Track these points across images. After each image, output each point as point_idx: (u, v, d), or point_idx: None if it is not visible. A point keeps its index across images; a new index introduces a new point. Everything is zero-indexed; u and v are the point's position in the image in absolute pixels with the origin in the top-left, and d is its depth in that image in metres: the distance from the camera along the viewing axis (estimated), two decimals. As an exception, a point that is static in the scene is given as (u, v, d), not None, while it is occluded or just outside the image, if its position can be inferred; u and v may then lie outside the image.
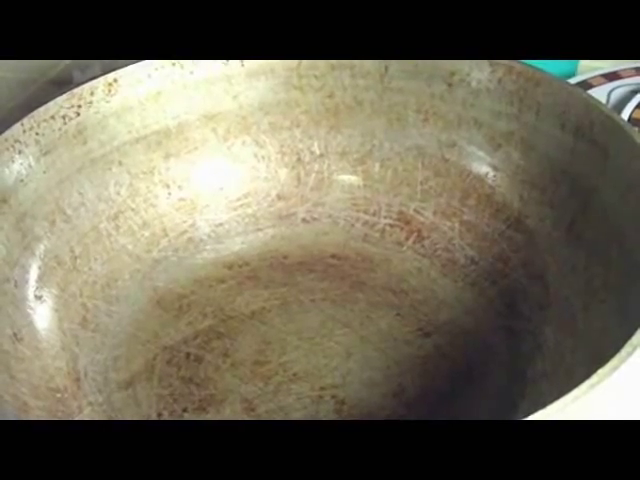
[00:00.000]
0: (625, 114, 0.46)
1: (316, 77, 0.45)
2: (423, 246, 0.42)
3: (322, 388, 0.36)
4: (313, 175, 0.45)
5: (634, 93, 0.48)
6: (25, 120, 0.40)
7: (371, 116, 0.44)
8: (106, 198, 0.42)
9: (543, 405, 0.25)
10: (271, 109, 0.45)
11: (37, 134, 0.40)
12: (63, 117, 0.41)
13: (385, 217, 0.44)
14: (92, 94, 0.42)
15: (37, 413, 0.34)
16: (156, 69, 0.44)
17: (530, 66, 0.40)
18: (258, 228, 0.44)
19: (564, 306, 0.36)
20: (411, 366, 0.37)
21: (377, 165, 0.44)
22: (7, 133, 0.39)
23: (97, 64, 0.50)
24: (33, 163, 0.40)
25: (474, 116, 0.42)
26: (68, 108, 0.42)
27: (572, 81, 0.50)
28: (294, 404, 0.36)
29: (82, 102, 0.42)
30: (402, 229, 0.43)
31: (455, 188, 0.42)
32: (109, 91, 0.43)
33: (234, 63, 0.44)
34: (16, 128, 0.40)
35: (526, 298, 0.38)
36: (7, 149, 0.39)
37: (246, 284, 0.42)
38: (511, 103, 0.41)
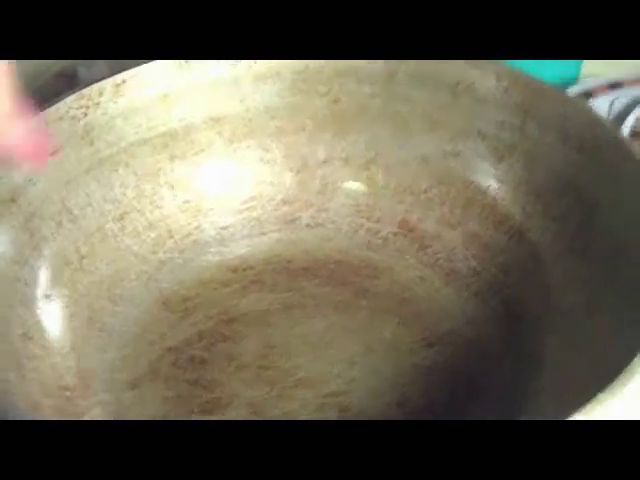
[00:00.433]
0: (627, 125, 0.47)
1: (322, 82, 0.45)
2: (426, 254, 0.42)
3: (326, 395, 0.37)
4: (318, 180, 0.45)
5: (637, 103, 0.49)
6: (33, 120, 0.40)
7: (376, 123, 0.45)
8: (112, 199, 0.43)
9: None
10: (277, 113, 0.45)
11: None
12: (72, 118, 0.42)
13: (388, 224, 0.44)
14: (100, 95, 0.42)
15: (48, 412, 0.35)
16: (163, 71, 0.44)
17: (535, 78, 0.41)
18: (263, 232, 0.44)
19: (566, 318, 0.36)
20: (415, 377, 0.37)
21: (381, 172, 0.45)
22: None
23: (103, 61, 0.50)
24: (41, 163, 0.40)
25: (479, 127, 0.42)
26: (77, 109, 0.42)
27: (574, 89, 0.51)
28: (299, 410, 0.36)
29: (90, 103, 0.42)
30: (405, 237, 0.43)
31: (458, 197, 0.43)
32: (117, 92, 0.43)
33: (241, 65, 0.44)
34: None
35: (528, 309, 0.38)
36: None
37: (250, 287, 0.42)
38: (515, 114, 0.41)
